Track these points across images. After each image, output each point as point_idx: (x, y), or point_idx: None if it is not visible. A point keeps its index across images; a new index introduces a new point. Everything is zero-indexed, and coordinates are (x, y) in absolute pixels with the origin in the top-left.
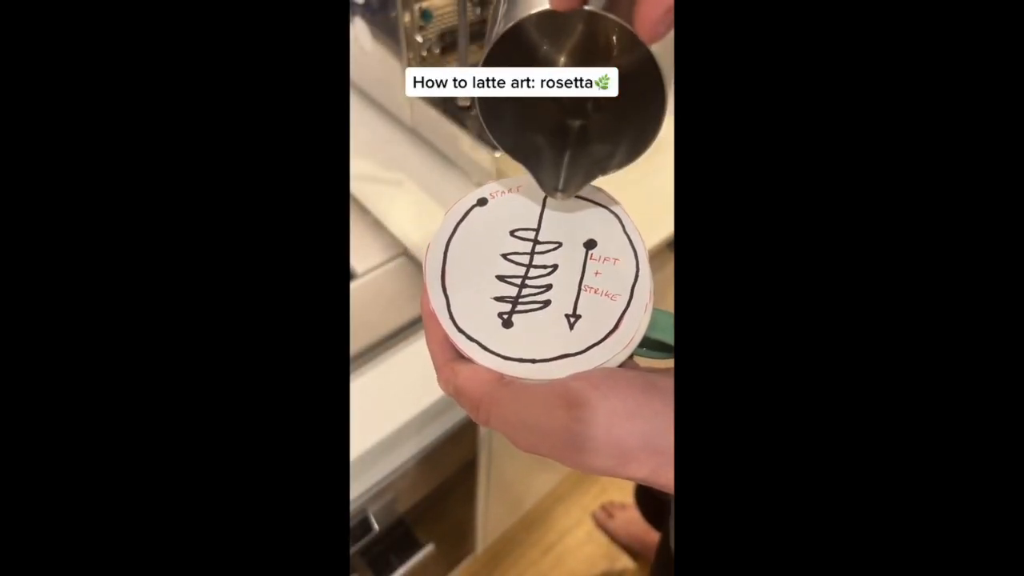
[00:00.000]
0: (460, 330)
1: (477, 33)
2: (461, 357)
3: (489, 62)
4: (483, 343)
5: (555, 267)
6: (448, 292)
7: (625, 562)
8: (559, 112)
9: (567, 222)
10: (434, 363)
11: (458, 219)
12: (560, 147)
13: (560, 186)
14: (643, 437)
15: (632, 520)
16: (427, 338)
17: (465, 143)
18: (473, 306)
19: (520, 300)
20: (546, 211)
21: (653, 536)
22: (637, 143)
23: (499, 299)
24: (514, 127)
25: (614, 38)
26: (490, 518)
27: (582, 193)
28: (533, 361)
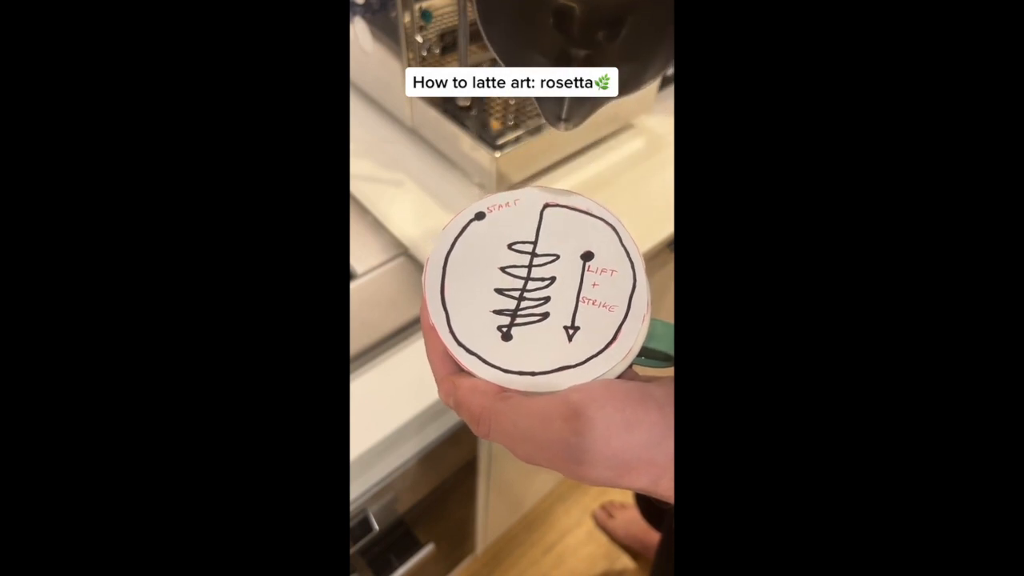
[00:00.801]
0: (460, 344)
1: (477, 33)
2: (461, 370)
3: None
4: (483, 356)
5: (553, 279)
6: (447, 306)
7: (625, 562)
8: (563, 43)
9: (564, 234)
10: (435, 377)
11: (456, 233)
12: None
13: (563, 115)
14: (640, 448)
15: (632, 520)
16: (427, 352)
17: (465, 143)
18: (472, 320)
19: (519, 313)
20: (543, 224)
21: (653, 536)
22: (662, 62)
23: (498, 312)
24: (514, 46)
25: None
26: (490, 518)
27: (579, 206)
28: (532, 374)
